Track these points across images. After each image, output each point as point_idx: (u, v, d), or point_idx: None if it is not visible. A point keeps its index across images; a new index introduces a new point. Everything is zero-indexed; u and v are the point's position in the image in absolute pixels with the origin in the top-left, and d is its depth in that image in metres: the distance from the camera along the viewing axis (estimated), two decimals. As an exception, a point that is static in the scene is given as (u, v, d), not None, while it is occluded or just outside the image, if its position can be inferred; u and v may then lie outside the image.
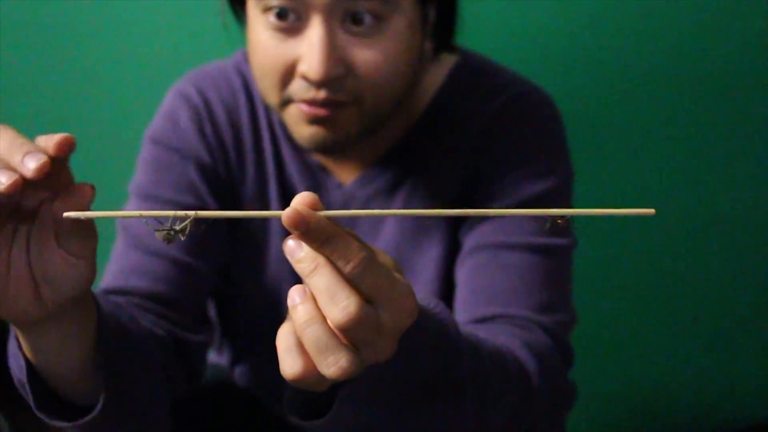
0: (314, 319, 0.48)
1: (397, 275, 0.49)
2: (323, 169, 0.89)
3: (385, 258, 0.52)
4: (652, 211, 0.45)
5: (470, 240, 0.83)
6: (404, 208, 0.87)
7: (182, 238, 0.50)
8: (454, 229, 0.86)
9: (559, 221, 0.46)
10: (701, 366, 1.38)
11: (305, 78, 0.75)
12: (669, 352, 1.37)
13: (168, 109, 0.90)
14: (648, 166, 1.28)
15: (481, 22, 1.14)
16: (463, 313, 0.81)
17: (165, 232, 0.49)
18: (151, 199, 0.86)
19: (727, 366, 1.39)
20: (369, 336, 0.48)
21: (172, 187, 0.86)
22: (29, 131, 1.32)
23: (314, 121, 0.77)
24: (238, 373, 1.00)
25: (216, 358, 1.05)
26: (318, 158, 0.89)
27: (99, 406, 0.63)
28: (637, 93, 1.25)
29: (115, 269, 0.82)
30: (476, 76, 0.89)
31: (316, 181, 0.89)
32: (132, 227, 0.84)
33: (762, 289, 1.35)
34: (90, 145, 1.22)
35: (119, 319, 0.66)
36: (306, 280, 0.48)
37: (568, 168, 0.87)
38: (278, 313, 0.91)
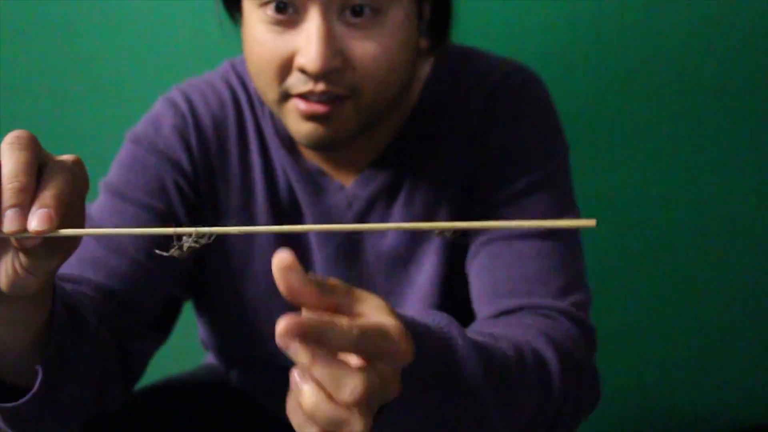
0: (321, 401, 0.48)
1: (388, 323, 0.49)
2: (322, 173, 0.89)
3: (374, 304, 0.51)
4: (592, 222, 0.44)
5: (480, 234, 0.84)
6: (408, 204, 0.87)
7: (185, 255, 0.49)
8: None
9: (444, 234, 0.47)
10: (702, 367, 1.38)
11: (303, 71, 0.74)
12: (669, 353, 1.37)
13: (154, 114, 0.89)
14: (648, 165, 1.28)
15: (479, 20, 1.17)
16: (484, 307, 0.81)
17: (174, 249, 0.49)
18: (120, 198, 0.84)
19: (727, 366, 1.38)
20: (376, 392, 0.49)
21: (143, 189, 0.84)
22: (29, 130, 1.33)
23: (312, 117, 0.76)
24: (234, 376, 1.00)
25: (212, 359, 1.05)
26: (315, 162, 0.89)
27: (31, 394, 0.62)
28: (636, 92, 1.25)
29: (72, 259, 0.80)
30: (460, 64, 0.89)
31: (316, 185, 0.89)
32: (95, 219, 0.83)
33: (762, 290, 1.35)
34: (87, 146, 1.26)
35: (74, 313, 0.65)
36: (309, 371, 0.48)
37: (564, 143, 0.88)
38: (264, 324, 0.91)
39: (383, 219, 0.88)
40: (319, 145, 0.79)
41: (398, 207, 0.88)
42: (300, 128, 0.77)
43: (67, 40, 1.25)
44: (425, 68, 0.89)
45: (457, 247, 0.87)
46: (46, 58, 1.26)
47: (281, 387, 0.91)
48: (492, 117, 0.86)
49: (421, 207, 0.87)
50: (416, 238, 0.89)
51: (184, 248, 0.49)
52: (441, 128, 0.87)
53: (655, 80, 1.24)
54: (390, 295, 0.90)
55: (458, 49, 0.90)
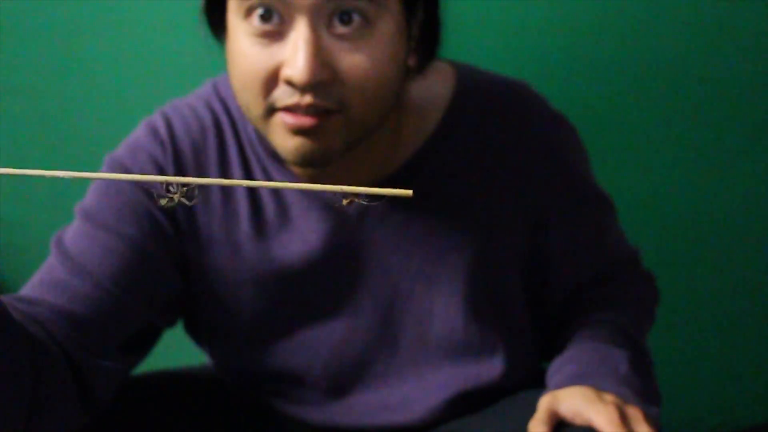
0: None
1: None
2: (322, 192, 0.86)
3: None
4: (409, 192, 0.45)
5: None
6: (427, 221, 0.86)
7: (186, 203, 0.49)
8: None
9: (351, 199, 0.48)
10: (702, 366, 1.38)
11: (289, 83, 0.72)
12: (668, 352, 1.35)
13: (133, 140, 0.88)
14: (647, 165, 1.28)
15: (477, 22, 1.18)
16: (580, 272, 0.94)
17: (166, 199, 0.48)
18: (91, 222, 0.83)
19: (727, 366, 1.38)
20: None
21: (116, 214, 0.83)
22: (30, 131, 1.32)
23: (299, 132, 0.74)
24: (228, 379, 0.99)
25: (207, 359, 1.04)
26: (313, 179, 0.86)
27: None
28: (636, 93, 1.25)
29: (35, 281, 0.81)
30: (483, 92, 0.88)
31: (323, 198, 0.86)
32: (65, 243, 0.83)
33: (762, 289, 1.34)
34: (87, 146, 1.26)
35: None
36: None
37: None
38: (256, 344, 0.91)
39: (400, 234, 0.86)
40: (306, 161, 0.76)
41: (417, 224, 0.86)
42: (287, 143, 0.75)
43: (68, 41, 1.26)
44: (442, 89, 0.88)
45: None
46: (46, 58, 1.27)
47: (278, 389, 0.94)
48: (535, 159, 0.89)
49: (443, 225, 0.86)
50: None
51: (175, 200, 0.49)
52: (468, 151, 0.87)
53: (654, 81, 1.24)
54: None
55: (476, 75, 0.90)
